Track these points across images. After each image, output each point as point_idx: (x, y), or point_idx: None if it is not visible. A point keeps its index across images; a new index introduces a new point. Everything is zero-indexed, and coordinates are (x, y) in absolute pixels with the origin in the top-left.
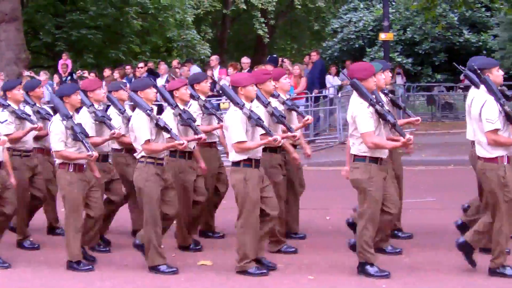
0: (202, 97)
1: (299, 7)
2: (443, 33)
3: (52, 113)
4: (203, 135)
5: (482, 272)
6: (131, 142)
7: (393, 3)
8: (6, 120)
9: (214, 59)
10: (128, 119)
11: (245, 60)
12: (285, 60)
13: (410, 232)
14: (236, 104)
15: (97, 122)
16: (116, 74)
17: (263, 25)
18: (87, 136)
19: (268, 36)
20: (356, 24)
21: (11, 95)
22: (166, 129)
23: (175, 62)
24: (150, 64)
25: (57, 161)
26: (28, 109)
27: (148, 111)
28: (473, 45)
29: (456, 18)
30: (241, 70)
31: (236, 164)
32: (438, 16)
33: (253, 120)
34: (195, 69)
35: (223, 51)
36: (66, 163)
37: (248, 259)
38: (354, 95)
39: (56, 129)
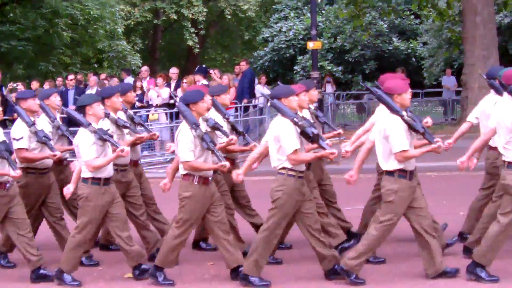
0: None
1: (229, 17)
2: (372, 41)
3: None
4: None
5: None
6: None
7: (323, 12)
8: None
9: (144, 70)
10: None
11: (173, 71)
12: (212, 71)
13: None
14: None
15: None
16: (47, 86)
17: (194, 35)
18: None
19: (198, 46)
20: (286, 33)
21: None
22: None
23: (103, 75)
24: (79, 76)
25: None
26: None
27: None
28: (402, 53)
29: (385, 26)
30: (169, 81)
31: None
32: (368, 24)
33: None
34: (129, 79)
35: (155, 61)
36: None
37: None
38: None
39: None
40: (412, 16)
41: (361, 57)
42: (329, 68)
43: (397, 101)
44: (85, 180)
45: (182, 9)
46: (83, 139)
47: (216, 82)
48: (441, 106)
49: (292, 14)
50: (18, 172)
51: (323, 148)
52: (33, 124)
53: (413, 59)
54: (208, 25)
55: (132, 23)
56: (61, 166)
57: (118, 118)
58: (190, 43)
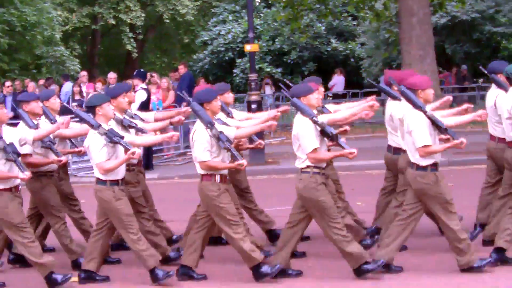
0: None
1: (168, 21)
2: (311, 43)
3: None
4: None
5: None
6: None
7: (261, 15)
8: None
9: (83, 75)
10: None
11: (111, 75)
12: (153, 74)
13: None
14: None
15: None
16: None
17: (132, 40)
18: None
19: (137, 51)
20: (225, 36)
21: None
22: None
23: (41, 81)
24: (17, 83)
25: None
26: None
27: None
28: (341, 54)
29: (323, 28)
30: (108, 86)
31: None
32: (306, 26)
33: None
34: (68, 85)
35: (94, 66)
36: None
37: None
38: None
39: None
40: (350, 18)
41: (299, 58)
42: (268, 70)
43: (421, 96)
44: (103, 182)
45: (120, 14)
46: (94, 141)
47: (156, 85)
48: (381, 106)
49: (230, 18)
50: (27, 174)
51: (343, 148)
52: (37, 127)
53: (352, 60)
54: (146, 30)
55: (70, 28)
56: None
57: (124, 118)
58: (128, 47)
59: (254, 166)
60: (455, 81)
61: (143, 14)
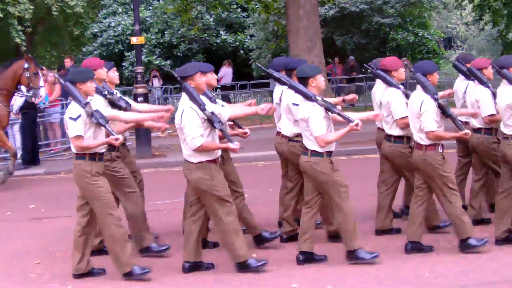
0: None
1: (57, 13)
2: (200, 35)
3: None
4: None
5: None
6: None
7: (150, 8)
8: None
9: None
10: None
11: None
12: (43, 67)
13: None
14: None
15: None
16: None
17: (21, 33)
18: None
19: (25, 44)
20: (115, 28)
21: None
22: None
23: None
24: None
25: None
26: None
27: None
28: (230, 45)
29: (212, 20)
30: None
31: None
32: (195, 18)
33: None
34: None
35: None
36: None
37: None
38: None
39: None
40: (239, 10)
41: (189, 51)
42: (157, 63)
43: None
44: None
45: (8, 6)
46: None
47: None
48: (270, 96)
49: (120, 10)
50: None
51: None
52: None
53: (241, 51)
54: (35, 23)
55: None
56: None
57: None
58: (17, 41)
59: (141, 160)
60: (343, 72)
61: (31, 7)
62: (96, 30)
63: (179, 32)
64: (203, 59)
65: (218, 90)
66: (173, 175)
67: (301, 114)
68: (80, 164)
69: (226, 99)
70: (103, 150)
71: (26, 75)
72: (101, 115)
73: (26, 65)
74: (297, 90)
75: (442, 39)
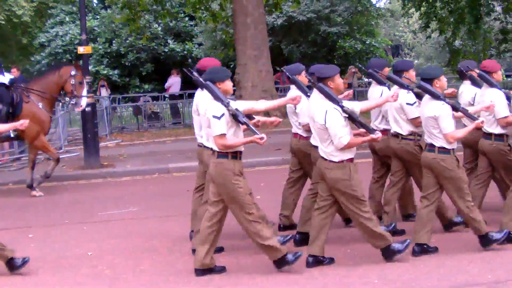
0: None
1: (4, 22)
2: (148, 44)
3: None
4: None
5: None
6: None
7: (97, 17)
8: None
9: None
10: None
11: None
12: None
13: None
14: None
15: None
16: None
17: None
18: None
19: None
20: (63, 38)
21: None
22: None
23: None
24: None
25: None
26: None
27: None
28: (178, 54)
29: (160, 29)
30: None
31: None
32: (143, 27)
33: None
34: None
35: None
36: None
37: None
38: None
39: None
40: (187, 18)
41: (137, 60)
42: (105, 72)
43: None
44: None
45: None
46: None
47: None
48: None
49: (67, 19)
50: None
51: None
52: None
53: (189, 60)
54: None
55: None
56: None
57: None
58: None
59: (89, 170)
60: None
61: None
62: (43, 39)
63: (127, 41)
64: (151, 68)
65: (166, 99)
66: (122, 185)
67: (431, 113)
68: (222, 162)
69: (175, 108)
70: (243, 149)
71: (72, 82)
72: (242, 114)
73: (73, 72)
74: (426, 90)
75: (389, 46)
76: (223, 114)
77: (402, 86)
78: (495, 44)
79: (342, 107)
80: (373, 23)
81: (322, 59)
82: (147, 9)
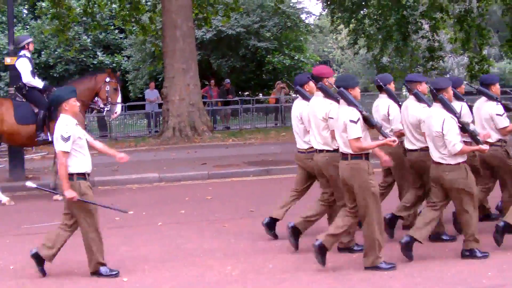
0: None
1: None
2: (77, 56)
3: None
4: None
5: None
6: None
7: (27, 27)
8: None
9: None
10: None
11: None
12: None
13: None
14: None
15: None
16: None
17: None
18: None
19: None
20: None
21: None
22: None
23: None
24: None
25: None
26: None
27: None
28: (107, 66)
29: (89, 40)
30: None
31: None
32: (72, 38)
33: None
34: None
35: None
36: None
37: None
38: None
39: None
40: (116, 31)
41: (65, 72)
42: None
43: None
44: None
45: None
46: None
47: None
48: (145, 118)
49: None
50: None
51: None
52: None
53: (118, 73)
54: None
55: None
56: None
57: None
58: None
59: (13, 183)
60: (219, 95)
61: None
62: None
63: (56, 52)
64: None
65: (93, 111)
66: (47, 197)
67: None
68: (358, 163)
69: (102, 121)
70: (370, 151)
71: (107, 89)
72: (373, 117)
73: (108, 79)
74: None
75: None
76: (359, 119)
77: (491, 98)
78: (422, 62)
79: (458, 117)
80: (302, 38)
81: (250, 73)
82: (76, 20)
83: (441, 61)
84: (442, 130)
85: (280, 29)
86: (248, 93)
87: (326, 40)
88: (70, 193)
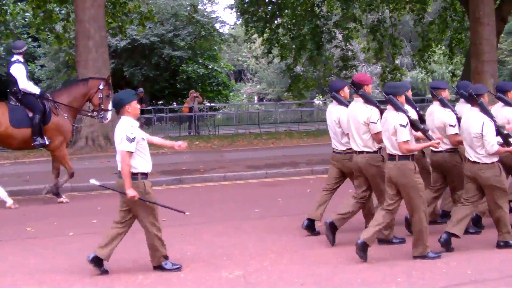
0: None
1: None
2: None
3: None
4: None
5: None
6: None
7: None
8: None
9: None
10: None
11: None
12: None
13: None
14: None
15: None
16: None
17: None
18: None
19: None
20: None
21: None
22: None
23: None
24: None
25: None
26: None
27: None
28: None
29: (2, 49)
30: None
31: None
32: None
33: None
34: None
35: None
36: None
37: None
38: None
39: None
40: (30, 39)
41: None
42: None
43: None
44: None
45: None
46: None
47: None
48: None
49: None
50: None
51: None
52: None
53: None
54: None
55: None
56: None
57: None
58: None
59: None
60: None
61: None
62: None
63: None
64: None
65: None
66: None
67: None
68: (405, 164)
69: None
70: (416, 153)
71: (99, 96)
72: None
73: (101, 86)
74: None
75: (232, 71)
76: (407, 123)
77: (508, 104)
78: (336, 71)
79: (495, 121)
80: (216, 48)
81: (165, 82)
82: None
83: (354, 70)
84: (482, 131)
85: (194, 38)
86: (161, 102)
87: (241, 49)
88: (131, 192)
